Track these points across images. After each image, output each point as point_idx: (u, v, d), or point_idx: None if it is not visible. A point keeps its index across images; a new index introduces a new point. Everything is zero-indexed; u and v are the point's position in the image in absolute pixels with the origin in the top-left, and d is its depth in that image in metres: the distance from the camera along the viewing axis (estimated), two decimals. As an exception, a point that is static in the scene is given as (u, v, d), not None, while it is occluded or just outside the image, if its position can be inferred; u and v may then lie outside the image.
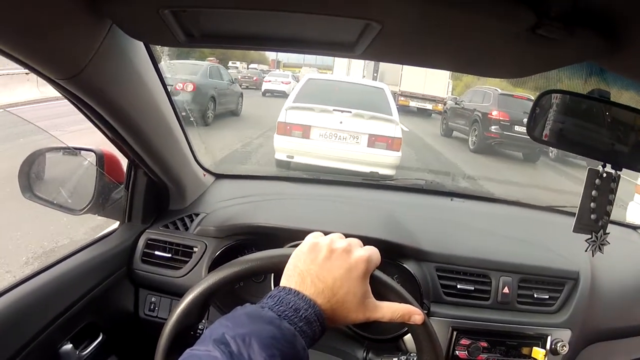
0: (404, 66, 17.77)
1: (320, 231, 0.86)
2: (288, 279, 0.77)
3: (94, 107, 1.06)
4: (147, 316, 1.55)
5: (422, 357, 0.88)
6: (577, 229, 0.98)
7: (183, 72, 10.79)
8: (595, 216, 0.97)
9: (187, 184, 1.63)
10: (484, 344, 1.45)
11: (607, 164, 0.96)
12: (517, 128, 11.83)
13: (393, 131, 6.91)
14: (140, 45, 1.11)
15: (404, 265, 1.46)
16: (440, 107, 19.96)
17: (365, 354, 1.30)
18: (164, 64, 1.39)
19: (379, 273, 0.85)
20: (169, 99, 1.36)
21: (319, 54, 1.02)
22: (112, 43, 0.95)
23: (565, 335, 1.51)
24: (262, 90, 22.80)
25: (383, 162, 6.75)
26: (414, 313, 0.82)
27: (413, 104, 21.16)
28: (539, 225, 1.96)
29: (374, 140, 6.77)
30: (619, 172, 0.97)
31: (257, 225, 1.47)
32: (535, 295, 1.54)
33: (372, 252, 0.82)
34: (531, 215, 2.10)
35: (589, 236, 1.00)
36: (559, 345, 1.45)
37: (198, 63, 13.23)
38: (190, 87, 10.32)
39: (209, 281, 0.87)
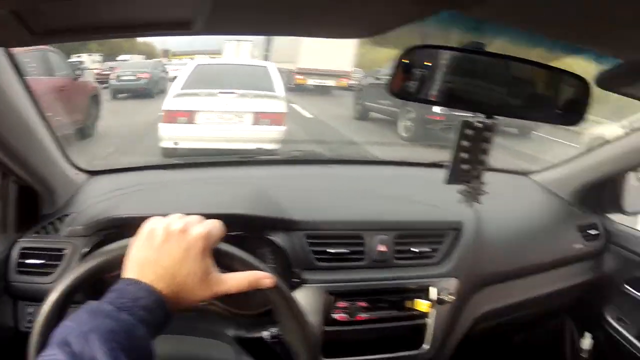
0: (303, 41, 17.37)
1: (184, 214, 0.82)
2: (128, 270, 0.75)
3: None
4: (27, 329, 1.45)
5: (282, 321, 0.87)
6: (450, 180, 0.98)
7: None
8: (468, 166, 0.96)
9: (56, 185, 1.55)
10: (363, 304, 1.46)
11: (479, 113, 0.96)
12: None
13: (277, 107, 7.16)
14: None
15: (271, 237, 1.45)
16: (344, 82, 18.96)
17: (236, 331, 1.32)
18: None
19: (221, 245, 0.82)
20: (30, 99, 1.30)
21: (158, 35, 0.98)
22: None
23: (451, 284, 1.54)
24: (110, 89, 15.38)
25: (267, 137, 6.91)
26: (262, 277, 0.81)
27: (311, 81, 19.10)
28: (419, 182, 1.99)
29: (259, 118, 7.01)
30: (493, 120, 0.97)
31: (119, 217, 1.44)
32: (414, 250, 1.56)
33: (211, 226, 0.79)
34: (416, 173, 2.14)
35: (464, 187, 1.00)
36: (444, 294, 1.48)
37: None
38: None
39: (69, 278, 0.83)
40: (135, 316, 0.67)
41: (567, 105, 1.00)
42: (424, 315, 1.49)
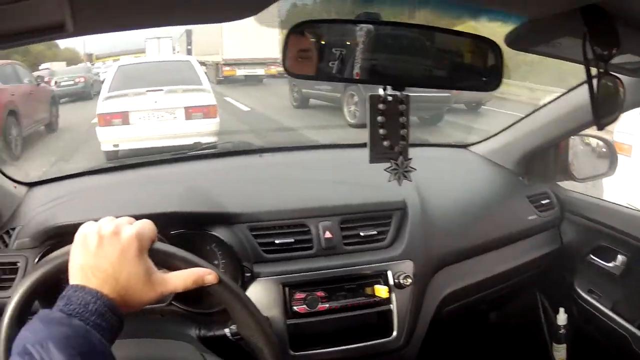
0: (224, 32, 17.17)
1: (117, 217, 0.82)
2: (73, 277, 0.74)
3: None
4: None
5: (234, 315, 0.87)
6: (373, 159, 0.94)
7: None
8: (388, 142, 0.93)
9: None
10: (321, 294, 1.43)
11: (387, 87, 0.92)
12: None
13: (207, 99, 7.35)
14: None
15: (214, 232, 1.41)
16: (274, 70, 18.17)
17: (198, 330, 1.28)
18: None
19: (158, 244, 0.82)
20: None
21: (30, 43, 0.89)
22: None
23: (407, 267, 1.51)
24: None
25: (203, 130, 7.06)
26: (205, 274, 0.81)
27: (241, 72, 18.66)
28: (358, 164, 1.95)
29: (191, 112, 7.14)
30: (404, 93, 0.93)
31: (60, 225, 1.39)
32: (362, 234, 1.53)
33: (142, 226, 0.79)
34: (349, 155, 2.08)
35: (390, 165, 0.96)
36: (401, 278, 1.46)
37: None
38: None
39: (19, 291, 0.84)
40: (87, 321, 0.67)
41: (483, 71, 0.98)
42: (385, 301, 1.46)
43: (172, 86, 7.19)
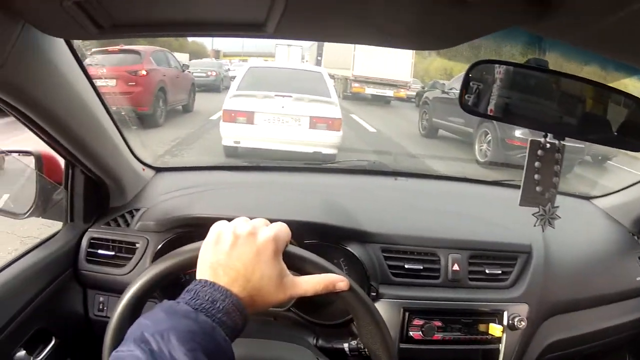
0: (357, 47, 16.68)
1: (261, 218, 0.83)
2: (201, 272, 0.75)
3: (19, 108, 1.02)
4: (97, 317, 1.51)
5: (360, 324, 0.86)
6: (523, 202, 0.96)
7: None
8: (540, 188, 0.95)
9: (125, 179, 1.59)
10: (438, 323, 1.44)
11: (549, 135, 0.95)
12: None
13: (333, 112, 7.20)
14: (60, 42, 1.06)
15: (348, 248, 1.44)
16: (402, 93, 17.93)
17: (315, 340, 1.29)
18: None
19: (292, 248, 0.82)
20: (97, 95, 1.32)
21: (233, 36, 0.98)
22: (28, 41, 0.90)
23: (522, 309, 1.51)
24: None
25: (325, 142, 7.04)
26: (337, 280, 0.81)
27: (369, 90, 17.93)
28: (487, 200, 1.97)
29: (315, 122, 7.06)
30: (562, 142, 0.96)
31: (194, 216, 1.46)
32: (487, 271, 1.54)
33: (279, 229, 0.79)
34: (479, 190, 2.10)
35: (535, 210, 0.99)
36: (516, 320, 1.45)
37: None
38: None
39: (146, 276, 0.85)
40: (213, 318, 0.67)
41: (629, 129, 0.99)
42: (496, 340, 1.47)
43: (300, 94, 7.18)
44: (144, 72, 9.55)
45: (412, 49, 0.97)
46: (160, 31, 0.94)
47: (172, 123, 10.46)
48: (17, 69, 0.91)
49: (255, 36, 0.93)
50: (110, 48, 9.62)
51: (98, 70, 8.34)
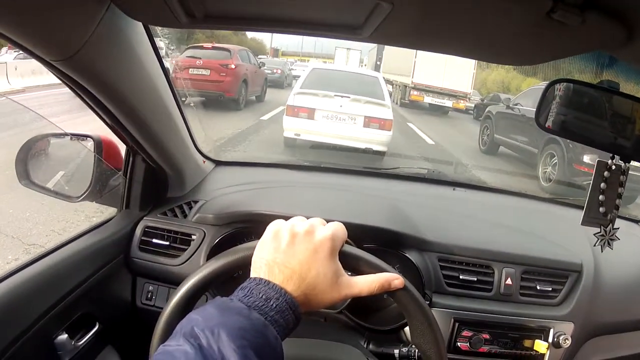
0: (418, 55, 16.88)
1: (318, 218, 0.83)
2: (256, 270, 0.75)
3: (91, 91, 1.03)
4: (144, 305, 1.53)
5: (412, 322, 0.85)
6: (586, 222, 0.96)
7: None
8: (604, 209, 0.95)
9: (186, 170, 1.61)
10: (486, 336, 1.44)
11: (616, 156, 0.94)
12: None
13: (385, 114, 7.90)
14: (139, 27, 1.08)
15: (406, 254, 1.44)
16: (462, 104, 17.64)
17: (366, 344, 1.29)
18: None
19: (347, 247, 0.82)
20: (168, 83, 1.32)
21: (325, 37, 0.99)
22: (111, 23, 0.91)
23: (567, 328, 1.49)
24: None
25: (376, 139, 7.80)
26: (392, 279, 0.80)
27: (428, 99, 17.75)
28: (542, 217, 1.94)
29: (369, 121, 7.79)
30: (628, 165, 0.95)
31: (256, 213, 1.46)
32: (538, 287, 1.52)
33: (336, 228, 0.79)
34: (534, 206, 2.07)
35: (596, 230, 0.98)
36: (561, 338, 1.44)
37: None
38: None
39: (204, 271, 0.85)
40: (266, 316, 0.66)
41: None
42: (540, 357, 1.46)
43: (357, 95, 7.82)
44: (233, 66, 11.98)
45: (503, 64, 0.97)
46: (250, 25, 0.94)
47: (249, 108, 12.77)
48: (97, 50, 0.92)
49: (347, 38, 0.94)
50: (205, 44, 13.11)
51: (196, 61, 11.44)
